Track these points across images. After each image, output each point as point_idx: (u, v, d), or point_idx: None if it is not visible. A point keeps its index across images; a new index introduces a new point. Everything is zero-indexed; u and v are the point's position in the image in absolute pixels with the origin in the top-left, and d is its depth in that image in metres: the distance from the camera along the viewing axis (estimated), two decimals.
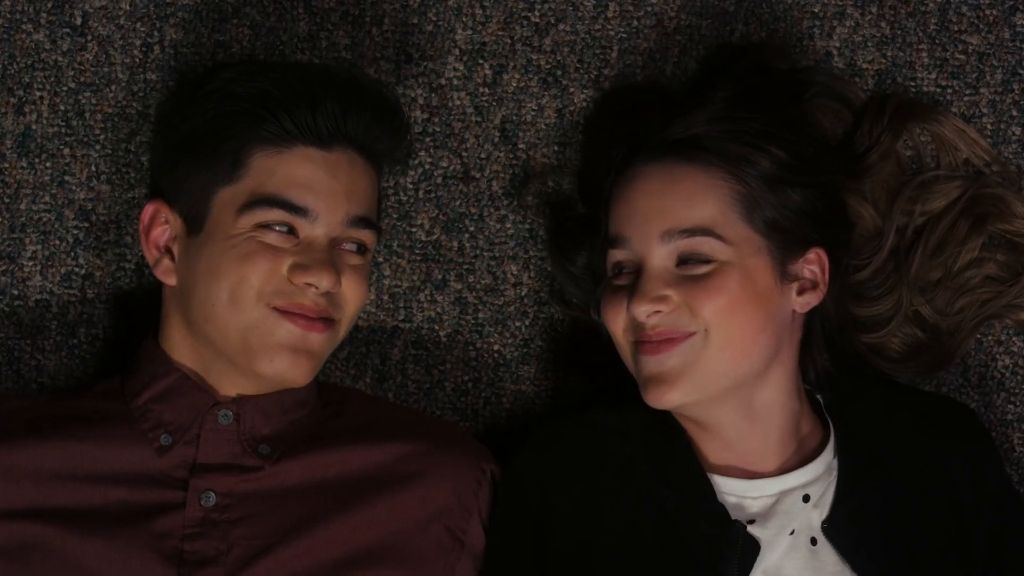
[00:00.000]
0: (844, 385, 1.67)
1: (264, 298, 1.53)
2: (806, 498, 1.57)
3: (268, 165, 1.55)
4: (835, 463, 1.60)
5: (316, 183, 1.56)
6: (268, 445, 1.58)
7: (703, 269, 1.53)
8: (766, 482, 1.57)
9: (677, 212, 1.55)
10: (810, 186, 1.58)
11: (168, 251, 1.61)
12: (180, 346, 1.60)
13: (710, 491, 1.56)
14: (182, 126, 1.61)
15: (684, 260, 1.54)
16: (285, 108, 1.55)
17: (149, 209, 1.62)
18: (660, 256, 1.55)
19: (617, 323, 1.58)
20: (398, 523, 1.57)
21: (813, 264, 1.59)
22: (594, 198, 1.69)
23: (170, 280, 1.60)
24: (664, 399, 1.54)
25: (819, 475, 1.58)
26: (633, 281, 1.56)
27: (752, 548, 1.52)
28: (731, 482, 1.57)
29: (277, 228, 1.55)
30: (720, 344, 1.52)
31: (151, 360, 1.61)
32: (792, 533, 1.55)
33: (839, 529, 1.56)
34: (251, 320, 1.53)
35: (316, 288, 1.54)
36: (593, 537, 1.56)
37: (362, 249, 1.61)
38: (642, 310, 1.53)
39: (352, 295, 1.59)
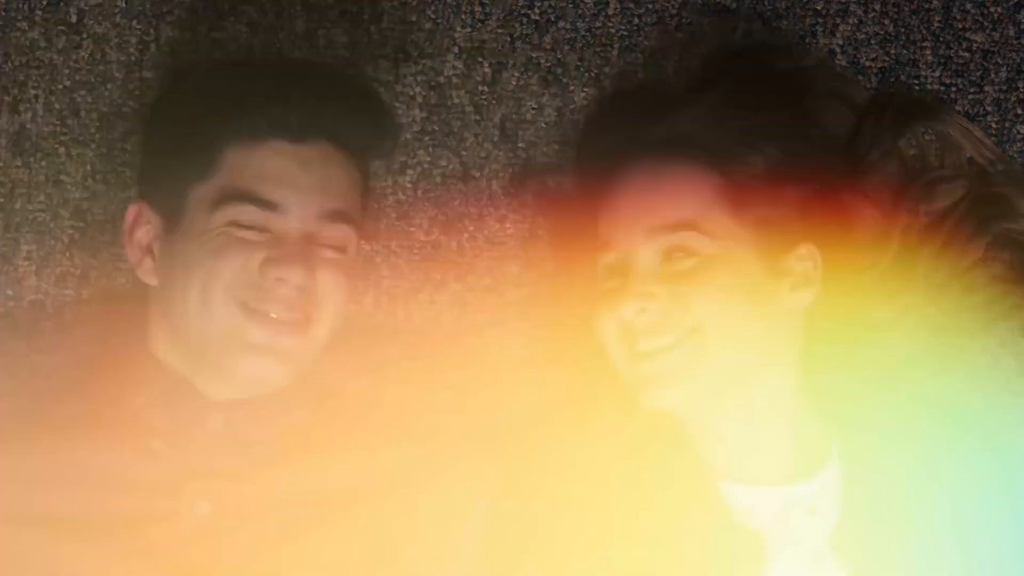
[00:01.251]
0: (845, 387, 1.65)
1: (233, 291, 1.51)
2: (811, 511, 1.55)
3: (240, 160, 1.54)
4: (839, 472, 1.58)
5: (287, 177, 1.54)
6: (261, 449, 1.56)
7: (688, 263, 1.52)
8: (770, 491, 1.55)
9: (660, 209, 1.54)
10: (803, 183, 1.56)
11: (150, 251, 1.60)
12: (166, 348, 1.59)
13: (715, 494, 1.54)
14: (159, 125, 1.60)
15: (669, 257, 1.53)
16: (256, 102, 1.54)
17: (133, 210, 1.61)
18: (645, 254, 1.53)
19: (608, 326, 1.56)
20: (395, 527, 1.55)
21: (805, 260, 1.58)
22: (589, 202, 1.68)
23: (152, 280, 1.59)
24: (663, 399, 1.52)
25: (825, 487, 1.57)
26: (621, 284, 1.55)
27: (759, 555, 1.51)
28: (736, 488, 1.55)
29: (250, 224, 1.53)
30: (715, 337, 1.51)
31: (143, 364, 1.60)
32: (797, 547, 1.54)
33: (845, 543, 1.54)
34: (221, 318, 1.52)
35: (287, 282, 1.52)
36: None
37: (341, 245, 1.59)
38: (628, 308, 1.52)
39: (330, 291, 1.56)
